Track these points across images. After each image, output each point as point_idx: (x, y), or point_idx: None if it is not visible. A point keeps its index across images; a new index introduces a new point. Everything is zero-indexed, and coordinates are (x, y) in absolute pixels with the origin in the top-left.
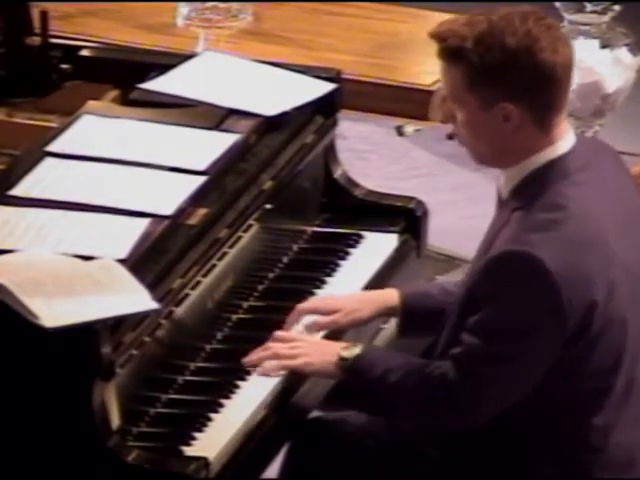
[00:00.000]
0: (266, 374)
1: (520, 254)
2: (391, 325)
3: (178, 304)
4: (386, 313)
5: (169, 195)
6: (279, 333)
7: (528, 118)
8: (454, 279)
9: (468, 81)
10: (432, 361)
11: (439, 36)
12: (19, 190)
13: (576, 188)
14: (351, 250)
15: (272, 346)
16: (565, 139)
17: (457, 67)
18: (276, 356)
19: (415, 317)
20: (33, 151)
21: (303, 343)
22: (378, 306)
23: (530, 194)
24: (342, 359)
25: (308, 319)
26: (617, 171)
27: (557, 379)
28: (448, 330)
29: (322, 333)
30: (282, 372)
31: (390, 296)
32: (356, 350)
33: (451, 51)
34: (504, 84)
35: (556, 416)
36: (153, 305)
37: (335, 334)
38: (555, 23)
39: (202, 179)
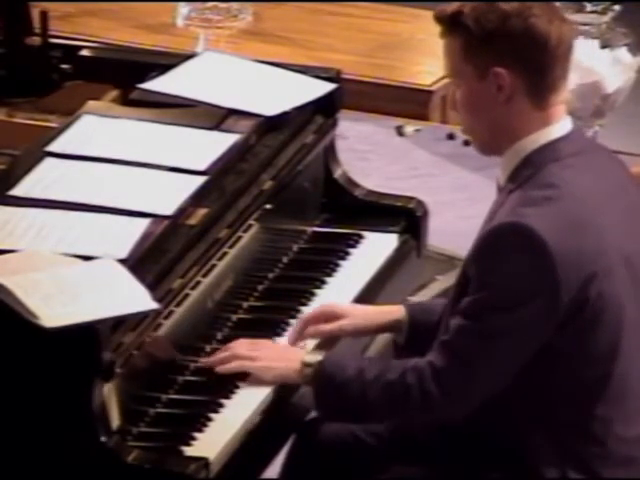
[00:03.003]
0: (224, 371)
1: (514, 224)
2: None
3: (178, 304)
4: (392, 326)
5: (169, 195)
6: (241, 339)
7: (521, 88)
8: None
9: (465, 49)
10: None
11: (439, 10)
12: (19, 190)
13: (569, 170)
14: (351, 250)
15: (232, 346)
16: (561, 123)
17: (455, 36)
18: (235, 357)
19: (421, 331)
20: (33, 151)
21: (264, 346)
22: (385, 318)
23: (524, 176)
24: (306, 364)
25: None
26: (614, 166)
27: (555, 364)
28: (444, 324)
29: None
30: (239, 370)
31: (396, 309)
32: (319, 356)
33: (449, 18)
34: (497, 49)
35: (557, 405)
36: (153, 305)
37: (326, 343)
38: (555, 4)
39: (202, 179)
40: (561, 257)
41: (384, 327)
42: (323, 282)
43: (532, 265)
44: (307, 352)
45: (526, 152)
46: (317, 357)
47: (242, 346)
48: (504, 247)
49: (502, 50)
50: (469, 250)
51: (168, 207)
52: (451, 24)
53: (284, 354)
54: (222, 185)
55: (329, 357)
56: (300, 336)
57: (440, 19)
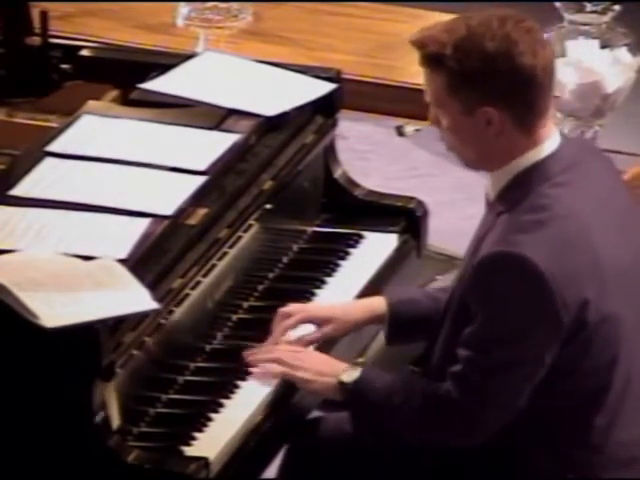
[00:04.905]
0: (262, 378)
1: (508, 254)
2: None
3: (178, 304)
4: (374, 321)
5: (169, 195)
6: (286, 342)
7: (510, 122)
8: (446, 282)
9: (449, 87)
10: (433, 382)
11: (419, 43)
12: (19, 190)
13: (559, 189)
14: (351, 250)
15: (277, 350)
16: (549, 141)
17: (438, 73)
18: (278, 361)
19: (402, 324)
20: (33, 151)
21: (307, 357)
22: (366, 314)
23: (514, 197)
24: (341, 383)
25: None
26: (607, 173)
27: (554, 379)
28: (442, 342)
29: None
30: (277, 379)
31: (377, 303)
32: (356, 374)
33: (431, 58)
34: (484, 89)
35: (556, 416)
36: (153, 305)
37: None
38: (534, 25)
39: (202, 179)
40: (556, 283)
41: (365, 322)
42: (323, 282)
43: (530, 296)
44: (344, 369)
45: (515, 172)
46: (353, 375)
47: (285, 352)
48: (499, 277)
49: (489, 91)
50: (465, 272)
51: (168, 207)
52: (433, 62)
53: (324, 368)
54: (222, 185)
55: (363, 377)
56: (278, 341)
57: (420, 52)
